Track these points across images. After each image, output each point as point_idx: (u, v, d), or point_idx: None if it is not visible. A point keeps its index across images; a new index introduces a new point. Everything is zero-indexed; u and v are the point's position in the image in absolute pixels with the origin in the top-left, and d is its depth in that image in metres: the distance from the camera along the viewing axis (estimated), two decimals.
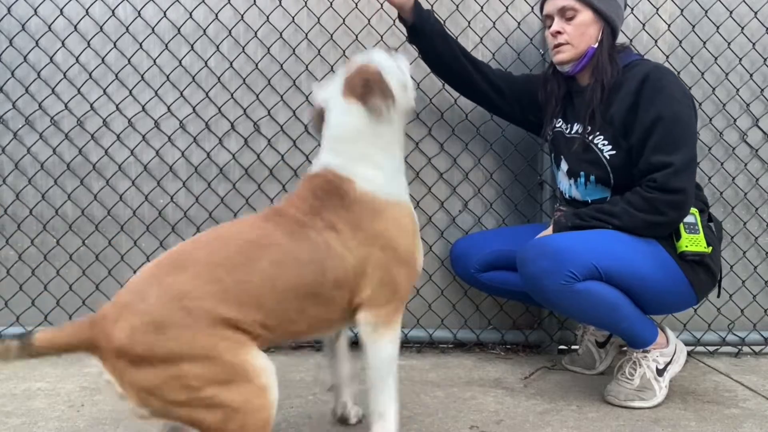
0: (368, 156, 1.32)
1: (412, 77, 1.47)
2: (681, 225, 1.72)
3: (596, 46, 1.81)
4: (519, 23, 2.25)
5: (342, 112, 1.35)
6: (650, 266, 1.71)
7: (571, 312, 1.79)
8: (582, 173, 1.85)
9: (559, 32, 1.81)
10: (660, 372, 1.79)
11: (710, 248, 1.71)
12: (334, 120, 1.36)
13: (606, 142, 1.79)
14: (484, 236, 2.13)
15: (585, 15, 1.79)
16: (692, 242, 1.70)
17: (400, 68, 1.40)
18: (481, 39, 2.25)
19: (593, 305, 1.69)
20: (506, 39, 2.25)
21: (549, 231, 1.83)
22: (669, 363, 1.81)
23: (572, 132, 1.89)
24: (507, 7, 2.24)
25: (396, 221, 1.30)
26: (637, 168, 1.73)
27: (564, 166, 1.92)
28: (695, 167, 1.74)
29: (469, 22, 2.24)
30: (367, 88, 1.31)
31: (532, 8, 2.25)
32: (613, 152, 1.78)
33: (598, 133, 1.81)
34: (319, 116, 1.41)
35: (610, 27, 1.82)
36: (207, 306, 1.10)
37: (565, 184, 1.94)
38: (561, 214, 1.86)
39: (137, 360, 1.06)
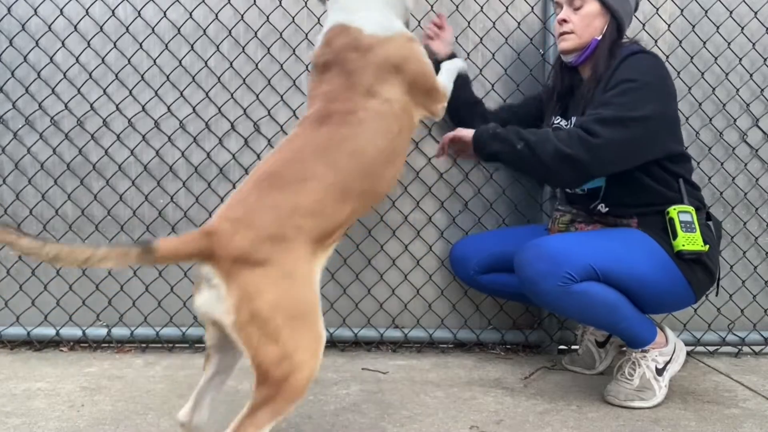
0: (366, 4, 1.54)
1: None
2: (677, 223, 1.72)
3: (599, 38, 1.82)
4: (519, 23, 2.25)
5: None
6: (648, 266, 1.71)
7: (569, 313, 1.79)
8: None
9: (565, 20, 1.83)
10: (659, 371, 1.79)
11: (707, 246, 1.71)
12: None
13: None
14: (484, 238, 2.13)
15: (592, 6, 1.81)
16: (689, 241, 1.70)
17: None
18: (481, 39, 2.25)
19: (591, 306, 1.69)
20: (506, 39, 2.25)
21: (467, 134, 1.82)
22: (668, 362, 1.81)
23: (571, 126, 1.89)
24: (507, 7, 2.24)
25: (403, 45, 1.51)
26: None
27: None
28: (628, 131, 1.64)
29: (469, 23, 2.24)
30: None
31: (532, 8, 2.25)
32: None
33: None
34: None
35: (616, 22, 1.83)
36: (310, 223, 1.25)
37: None
38: (485, 127, 1.82)
39: (253, 263, 1.17)
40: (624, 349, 1.94)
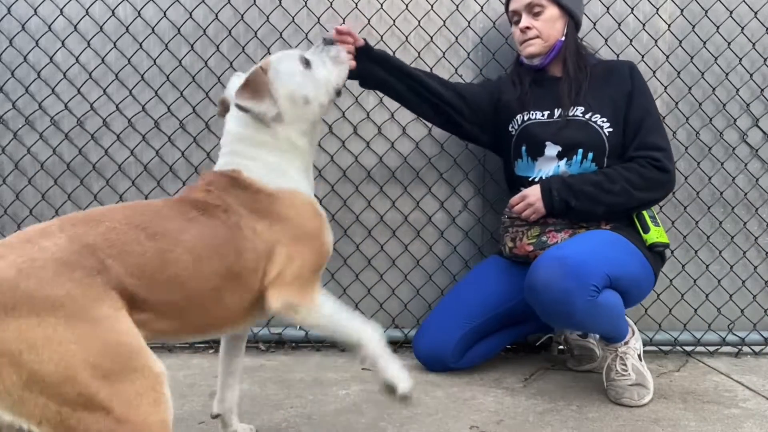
0: (254, 156, 1.29)
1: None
2: (647, 218, 1.86)
3: (563, 39, 1.93)
4: None
5: (232, 114, 1.34)
6: (637, 265, 1.80)
7: (589, 325, 1.78)
8: (580, 150, 1.87)
9: (528, 27, 1.91)
10: (640, 357, 1.84)
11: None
12: (228, 120, 1.36)
13: (605, 120, 1.87)
14: (443, 320, 2.01)
15: (552, 10, 1.91)
16: (659, 234, 1.85)
17: (311, 76, 1.35)
18: (481, 39, 2.25)
19: (608, 314, 1.72)
20: (506, 39, 2.25)
21: (536, 191, 1.85)
22: (637, 343, 1.87)
23: (555, 116, 1.93)
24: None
25: (293, 205, 1.27)
26: (632, 145, 1.85)
27: (551, 150, 1.91)
28: (671, 156, 1.89)
29: (469, 22, 2.24)
30: (244, 88, 1.28)
31: None
32: (611, 129, 1.87)
33: (594, 112, 1.88)
34: (224, 108, 1.40)
35: (573, 21, 1.95)
36: (117, 270, 1.03)
37: (549, 167, 1.92)
38: (549, 180, 1.86)
39: None
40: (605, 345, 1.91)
